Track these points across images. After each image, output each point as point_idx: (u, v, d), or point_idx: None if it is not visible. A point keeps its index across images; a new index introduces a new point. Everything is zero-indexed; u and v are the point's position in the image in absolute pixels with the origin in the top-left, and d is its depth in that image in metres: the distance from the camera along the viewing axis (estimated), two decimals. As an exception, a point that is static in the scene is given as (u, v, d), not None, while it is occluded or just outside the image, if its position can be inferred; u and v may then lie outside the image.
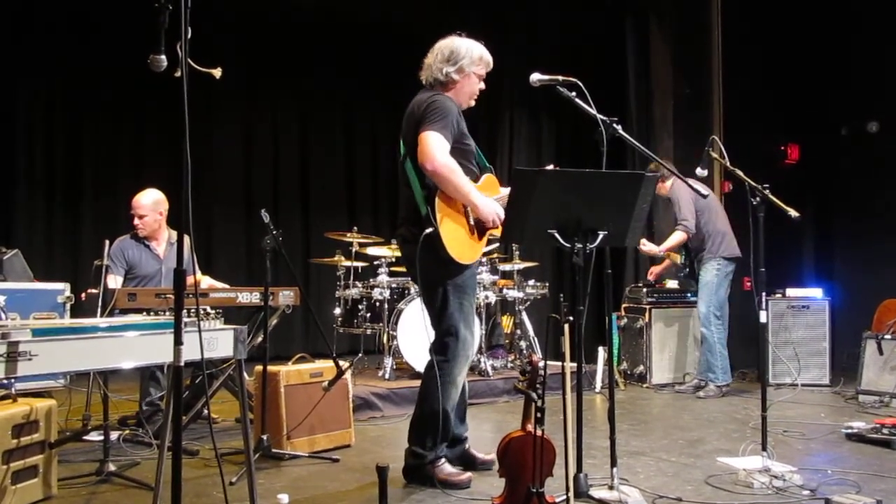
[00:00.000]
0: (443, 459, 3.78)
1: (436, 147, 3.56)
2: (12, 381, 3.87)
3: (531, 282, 7.17)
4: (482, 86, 3.92)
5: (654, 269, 7.45)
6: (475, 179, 3.81)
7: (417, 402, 3.85)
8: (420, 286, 3.91)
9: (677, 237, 6.59)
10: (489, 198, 3.76)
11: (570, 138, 9.53)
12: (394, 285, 6.58)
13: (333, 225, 7.68)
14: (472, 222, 3.73)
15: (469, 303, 3.79)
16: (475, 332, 3.91)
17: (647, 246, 6.78)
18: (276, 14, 8.66)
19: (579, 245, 3.31)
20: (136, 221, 5.22)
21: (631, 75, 8.91)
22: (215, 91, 7.37)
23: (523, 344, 7.01)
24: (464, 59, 3.81)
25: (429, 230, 3.59)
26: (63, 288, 5.01)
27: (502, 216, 3.67)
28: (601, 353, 6.76)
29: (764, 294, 3.96)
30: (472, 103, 3.93)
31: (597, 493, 3.42)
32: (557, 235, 3.30)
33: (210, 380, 4.69)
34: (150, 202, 5.24)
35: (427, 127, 3.60)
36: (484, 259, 3.92)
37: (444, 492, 3.62)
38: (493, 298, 6.69)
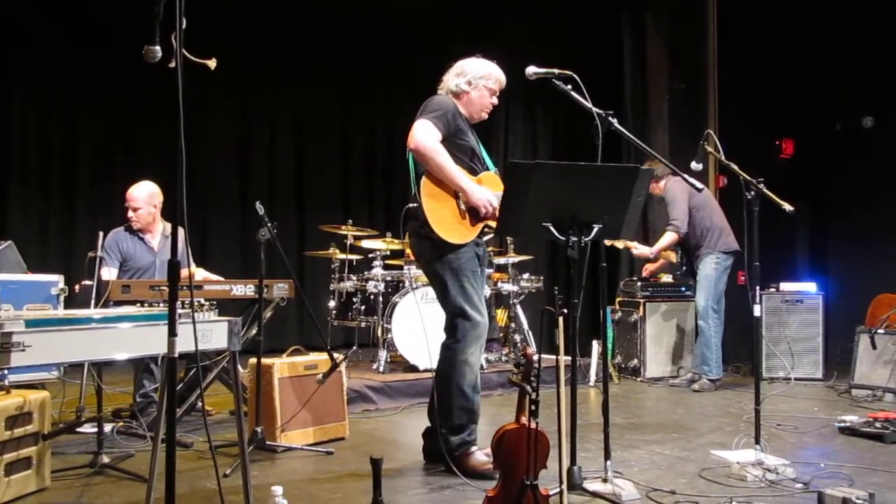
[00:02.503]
0: (474, 447, 3.80)
1: (420, 129, 3.75)
2: (6, 372, 3.87)
3: (526, 275, 7.17)
4: (494, 101, 4.08)
5: (650, 267, 7.33)
6: (473, 175, 3.90)
7: (437, 387, 3.89)
8: (426, 276, 4.07)
9: (668, 238, 6.58)
10: (484, 188, 3.84)
11: (565, 132, 9.54)
12: (388, 278, 6.59)
13: (328, 218, 7.67)
14: (462, 207, 3.82)
15: (471, 284, 3.84)
16: (485, 314, 3.92)
17: (638, 249, 6.78)
18: (273, 7, 8.63)
19: (574, 238, 3.32)
20: (131, 214, 5.20)
21: (626, 70, 8.93)
22: (211, 83, 7.36)
23: (518, 337, 7.02)
24: (472, 73, 4.02)
25: (412, 204, 3.81)
26: (57, 280, 5.01)
27: (495, 204, 3.76)
28: (595, 346, 6.78)
29: (758, 288, 3.97)
30: (485, 116, 4.10)
31: (591, 485, 3.43)
32: (552, 228, 3.31)
33: (204, 372, 4.69)
34: (145, 195, 5.22)
35: (419, 117, 3.81)
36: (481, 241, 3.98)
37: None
38: (487, 292, 6.69)
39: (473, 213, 3.82)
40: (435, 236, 3.74)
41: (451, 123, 3.82)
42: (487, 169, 4.05)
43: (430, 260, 3.88)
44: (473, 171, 3.92)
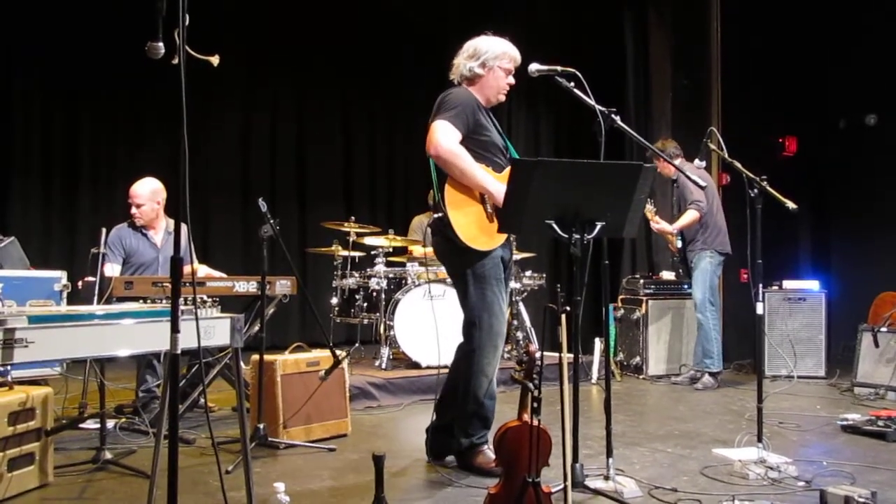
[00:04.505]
0: (485, 446, 3.81)
1: (440, 133, 3.64)
2: (9, 368, 3.87)
3: (528, 272, 7.17)
4: (511, 80, 3.94)
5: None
6: (498, 171, 3.81)
7: (453, 389, 3.90)
8: (448, 274, 4.03)
9: (691, 216, 6.51)
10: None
11: (568, 130, 9.52)
12: (391, 275, 6.59)
13: (331, 214, 7.66)
14: (489, 210, 3.74)
15: (493, 292, 3.77)
16: (503, 321, 3.86)
17: (660, 224, 6.70)
18: (275, 3, 8.62)
19: (577, 236, 3.31)
20: (134, 210, 5.21)
21: (629, 67, 8.90)
22: (214, 80, 7.33)
23: (520, 334, 7.02)
24: (486, 54, 3.86)
25: (437, 215, 3.72)
26: (60, 276, 4.99)
27: None
28: (598, 344, 6.77)
29: (760, 286, 3.96)
30: (502, 98, 3.97)
31: (593, 483, 3.43)
32: (555, 226, 3.29)
33: (207, 368, 4.69)
34: (148, 191, 5.22)
35: (436, 117, 3.70)
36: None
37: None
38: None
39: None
40: (461, 244, 3.67)
41: (469, 120, 3.71)
42: (511, 157, 3.93)
43: (454, 264, 3.84)
44: (499, 167, 3.82)
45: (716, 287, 6.61)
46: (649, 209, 6.45)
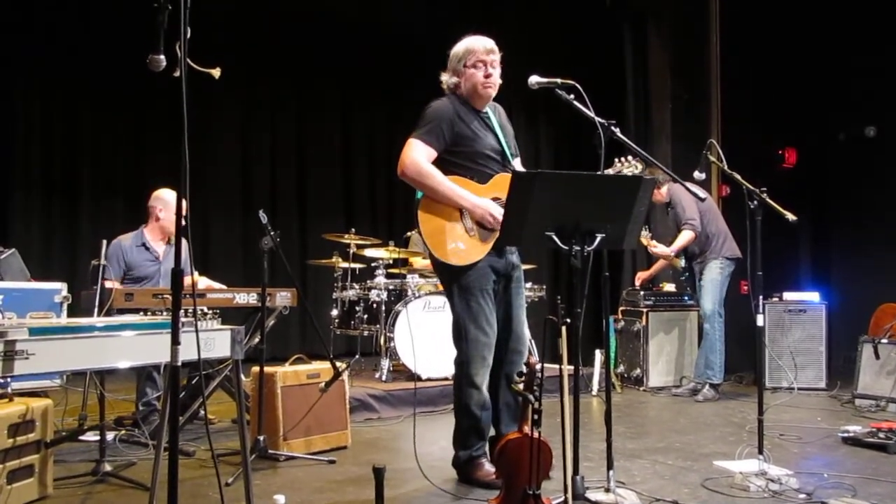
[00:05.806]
0: (483, 458, 3.80)
1: (407, 153, 3.69)
2: (9, 380, 3.87)
3: (528, 284, 7.15)
4: (489, 70, 3.85)
5: (642, 275, 7.43)
6: (484, 180, 3.80)
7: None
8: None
9: (686, 237, 6.55)
10: (485, 198, 3.74)
11: (568, 141, 9.54)
12: (391, 287, 6.59)
13: (331, 226, 7.67)
14: (468, 223, 3.75)
15: (478, 303, 3.77)
16: (492, 333, 3.84)
17: (658, 248, 6.74)
18: (275, 16, 8.66)
19: (577, 247, 3.30)
20: (162, 215, 5.20)
21: (629, 79, 8.94)
22: (214, 92, 7.36)
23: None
24: (452, 61, 3.93)
25: (412, 232, 3.72)
26: (60, 287, 4.99)
27: (496, 213, 3.68)
28: (598, 355, 6.76)
29: (761, 297, 3.96)
30: (490, 91, 3.89)
31: (593, 495, 3.42)
32: (555, 238, 3.29)
33: (207, 380, 4.69)
34: (174, 200, 5.22)
35: (410, 134, 3.74)
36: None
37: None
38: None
39: (483, 227, 3.74)
40: (438, 260, 3.71)
41: (445, 134, 3.73)
42: (507, 162, 3.91)
43: (442, 278, 3.91)
44: (486, 176, 3.81)
45: (724, 298, 6.60)
46: (644, 235, 6.47)
